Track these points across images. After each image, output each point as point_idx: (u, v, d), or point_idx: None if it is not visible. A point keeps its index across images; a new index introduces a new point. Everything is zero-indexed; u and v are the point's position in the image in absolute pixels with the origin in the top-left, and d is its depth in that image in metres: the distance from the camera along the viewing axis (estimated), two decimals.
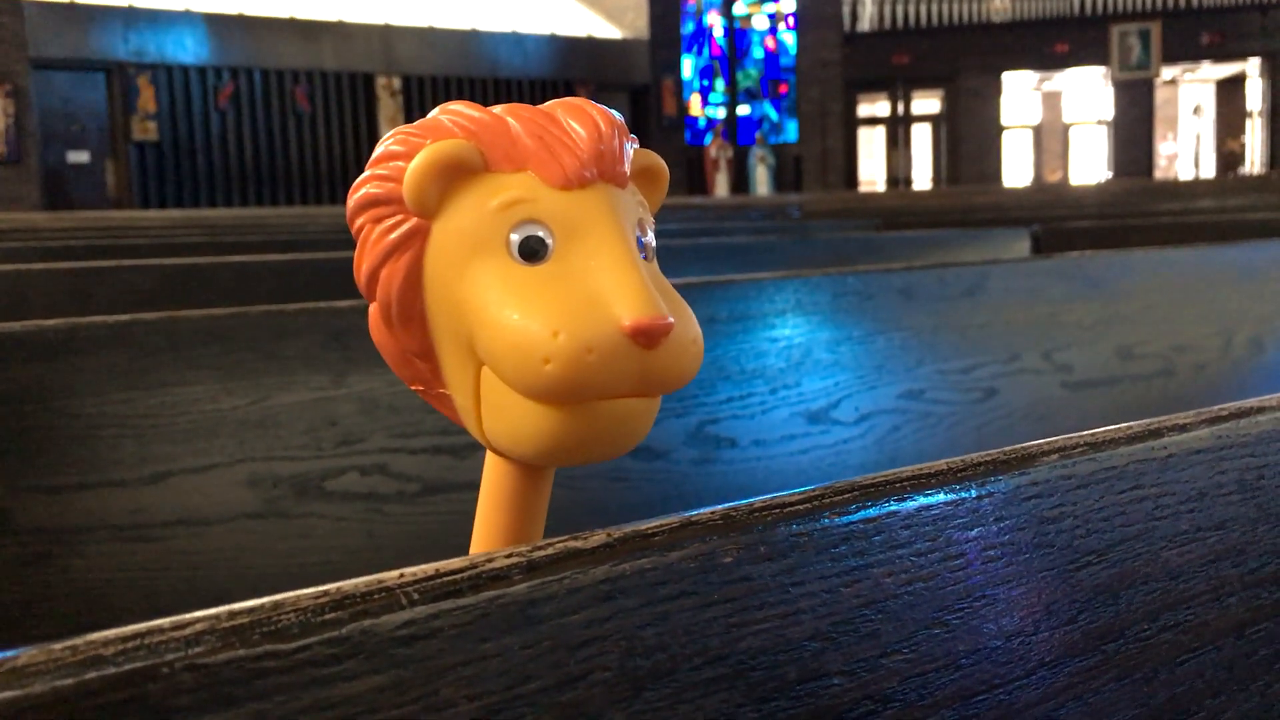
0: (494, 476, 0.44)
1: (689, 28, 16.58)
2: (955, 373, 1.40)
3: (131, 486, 0.92)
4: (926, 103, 16.92)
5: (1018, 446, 0.48)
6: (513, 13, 15.63)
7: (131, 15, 13.06)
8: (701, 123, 16.62)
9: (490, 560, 0.34)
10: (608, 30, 16.60)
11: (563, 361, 0.39)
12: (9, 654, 0.27)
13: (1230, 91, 17.31)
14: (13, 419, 0.88)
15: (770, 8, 16.36)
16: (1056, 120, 18.76)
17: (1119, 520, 0.48)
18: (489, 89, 15.19)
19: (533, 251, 0.41)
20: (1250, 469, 0.54)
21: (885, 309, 1.36)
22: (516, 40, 15.60)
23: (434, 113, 0.43)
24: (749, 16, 16.49)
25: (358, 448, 1.00)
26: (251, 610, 0.30)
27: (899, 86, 16.26)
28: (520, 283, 0.40)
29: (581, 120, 0.42)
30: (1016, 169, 17.86)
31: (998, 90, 16.11)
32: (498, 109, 0.43)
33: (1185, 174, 18.22)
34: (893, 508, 0.41)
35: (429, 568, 0.33)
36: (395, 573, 0.33)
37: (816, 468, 1.26)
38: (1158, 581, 0.49)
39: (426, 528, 1.02)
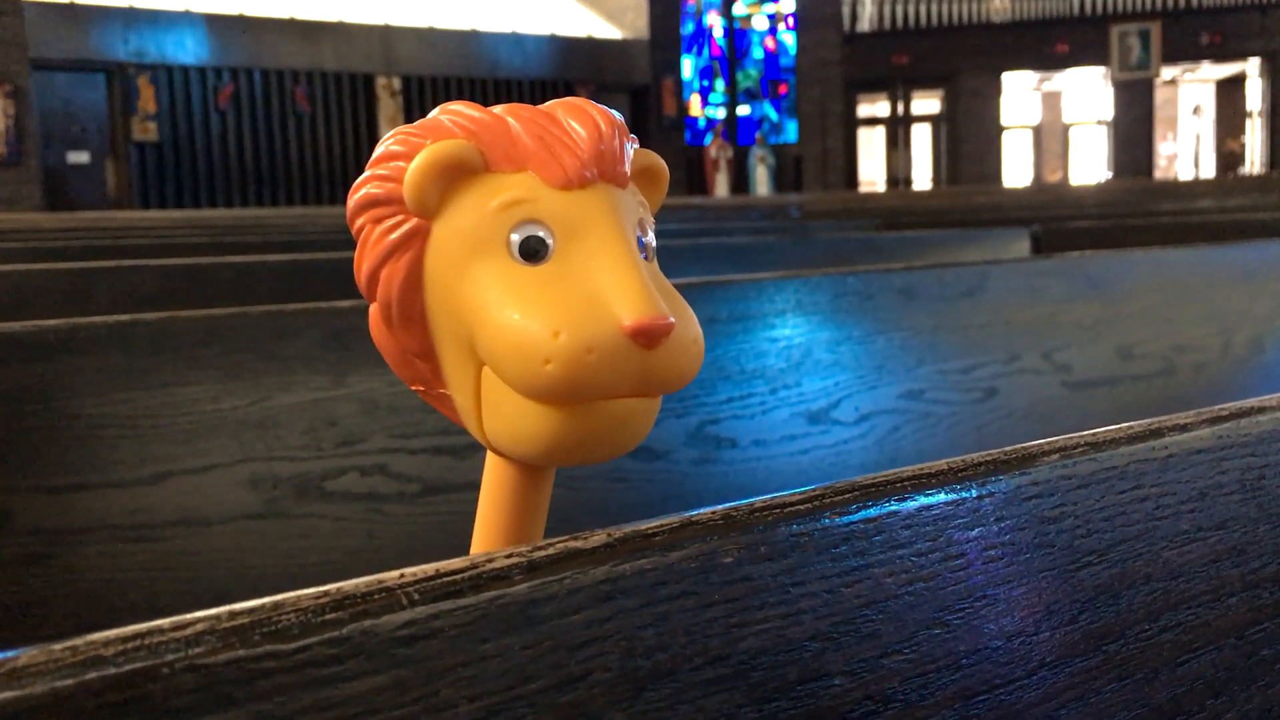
0: (494, 477, 0.44)
1: (689, 28, 16.58)
2: (955, 373, 1.40)
3: (132, 487, 0.92)
4: (926, 103, 16.92)
5: (1018, 446, 0.48)
6: (513, 13, 15.63)
7: (132, 16, 13.06)
8: (701, 123, 16.63)
9: (490, 560, 0.34)
10: (608, 30, 16.60)
11: (563, 362, 0.39)
12: (9, 654, 0.27)
13: (1230, 91, 17.31)
14: (13, 419, 0.88)
15: (770, 8, 16.36)
16: (1056, 120, 18.77)
17: (1120, 520, 0.48)
18: (489, 89, 15.18)
19: (533, 251, 0.41)
20: (1251, 469, 0.54)
21: (885, 309, 1.36)
22: (516, 40, 15.60)
23: (434, 113, 0.43)
24: (749, 17, 16.50)
25: (358, 448, 1.00)
26: (252, 610, 0.30)
27: (899, 87, 16.26)
28: (521, 283, 0.40)
29: (582, 120, 0.42)
30: (1016, 169, 17.86)
31: (998, 90, 16.12)
32: (498, 109, 0.43)
33: (1185, 174, 18.22)
34: (893, 508, 0.41)
35: (429, 568, 0.33)
36: (395, 573, 0.33)
37: (817, 468, 1.26)
38: (1158, 581, 0.49)
39: (427, 528, 1.02)
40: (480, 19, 15.33)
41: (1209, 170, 17.63)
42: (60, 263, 1.77)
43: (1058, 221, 3.21)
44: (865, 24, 15.97)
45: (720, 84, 16.59)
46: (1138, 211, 4.02)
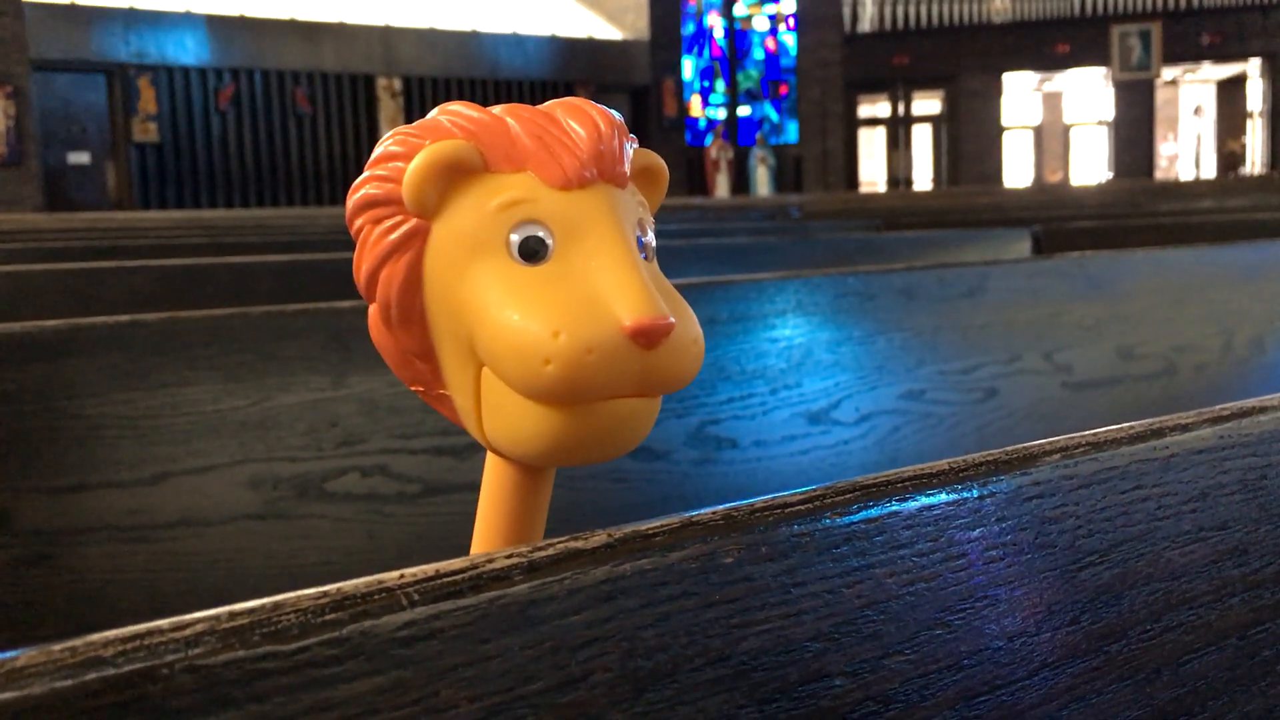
0: (494, 477, 0.44)
1: (689, 29, 16.58)
2: (956, 373, 1.39)
3: (132, 487, 0.92)
4: (927, 103, 16.92)
5: (1019, 446, 0.48)
6: (513, 14, 15.63)
7: (132, 16, 13.06)
8: (702, 123, 16.63)
9: (491, 561, 0.34)
10: (608, 31, 16.60)
11: (563, 362, 0.39)
12: (8, 655, 0.27)
13: (1231, 92, 17.31)
14: (13, 419, 0.88)
15: (771, 9, 16.36)
16: (1057, 121, 18.77)
17: (1121, 520, 0.48)
18: (489, 90, 15.19)
19: (533, 252, 0.40)
20: (1252, 469, 0.54)
21: (886, 309, 1.36)
22: (517, 41, 15.60)
23: (433, 113, 0.43)
24: (749, 17, 16.50)
25: (358, 448, 1.00)
26: (251, 611, 0.30)
27: (899, 87, 16.26)
28: (520, 283, 0.40)
29: (581, 120, 0.42)
30: (1017, 169, 17.86)
31: (998, 91, 16.12)
32: (497, 109, 0.43)
33: (1186, 174, 18.23)
34: (894, 508, 0.41)
35: (429, 568, 0.33)
36: (395, 573, 0.33)
37: (817, 468, 1.26)
38: (1160, 582, 0.49)
39: (427, 529, 1.02)
40: (481, 20, 15.34)
41: (1210, 171, 17.63)
42: (60, 263, 1.77)
43: (1058, 222, 3.21)
44: (866, 24, 15.98)
45: (721, 84, 16.59)
46: (1138, 212, 4.02)
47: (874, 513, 0.41)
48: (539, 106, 0.43)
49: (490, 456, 0.44)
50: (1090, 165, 17.99)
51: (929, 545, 0.42)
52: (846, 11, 15.84)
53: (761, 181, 15.45)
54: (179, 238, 3.08)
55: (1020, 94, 17.63)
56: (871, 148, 18.10)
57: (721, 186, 15.54)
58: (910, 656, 0.40)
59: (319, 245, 2.59)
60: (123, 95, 13.04)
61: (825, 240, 2.59)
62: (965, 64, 15.83)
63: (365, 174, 0.43)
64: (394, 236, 0.42)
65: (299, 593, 0.31)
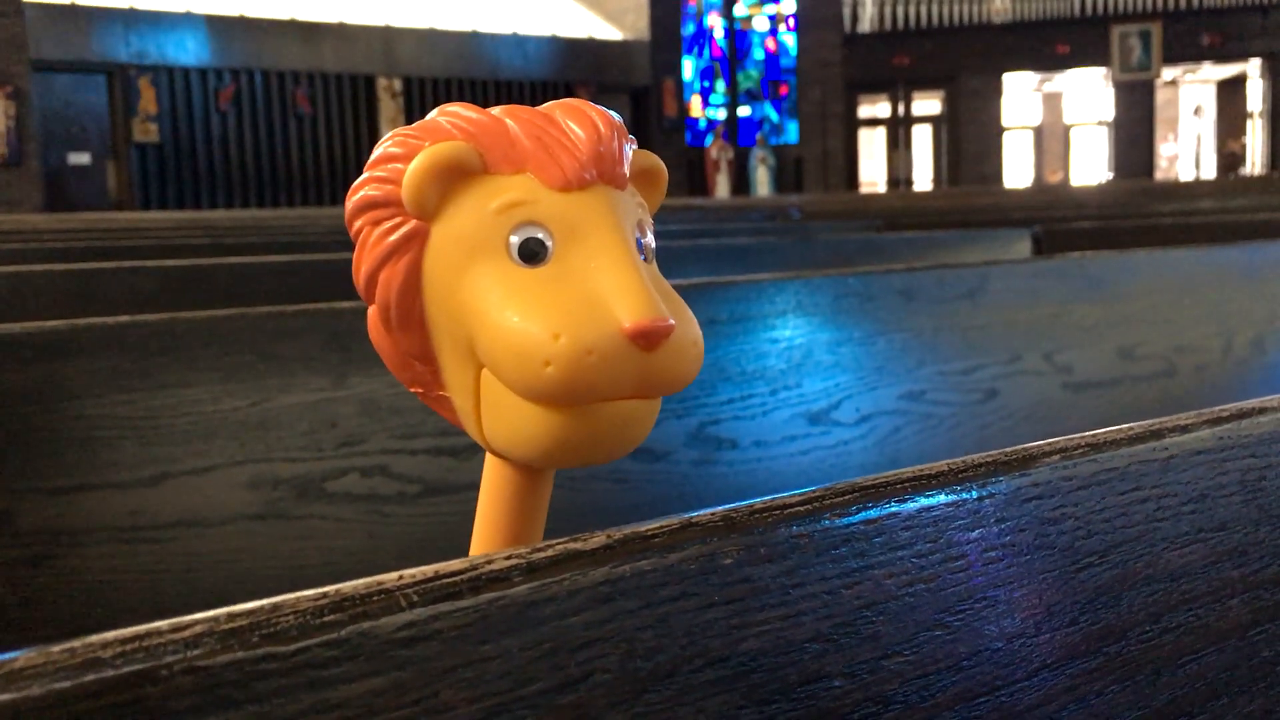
0: (494, 478, 0.44)
1: (689, 29, 16.58)
2: (956, 374, 1.39)
3: (132, 488, 0.92)
4: (927, 104, 16.92)
5: (1019, 447, 0.48)
6: (513, 14, 15.63)
7: (132, 17, 13.06)
8: (702, 124, 16.63)
9: (490, 562, 0.34)
10: (608, 32, 16.60)
11: (563, 364, 0.39)
12: (7, 656, 0.27)
13: (1231, 92, 17.31)
14: (13, 420, 0.88)
15: (771, 9, 16.37)
16: (1057, 121, 18.76)
17: (1120, 521, 0.48)
18: (490, 91, 15.19)
19: (532, 253, 0.40)
20: (1252, 470, 0.54)
21: (886, 310, 1.36)
22: (517, 42, 15.60)
23: (432, 114, 0.43)
24: (749, 18, 16.50)
25: (358, 449, 1.00)
26: (250, 612, 0.30)
27: (899, 87, 16.26)
28: (520, 285, 0.40)
29: (580, 122, 0.42)
30: (1017, 170, 17.85)
31: (998, 91, 16.12)
32: (496, 110, 0.43)
33: (1186, 175, 18.22)
34: (893, 509, 0.41)
35: (428, 569, 0.33)
36: (394, 574, 0.33)
37: (817, 469, 1.26)
38: (1159, 583, 0.49)
39: (428, 529, 1.02)
40: (481, 20, 15.34)
41: (1210, 171, 17.63)
42: (61, 264, 1.77)
43: (1059, 222, 3.21)
44: (866, 25, 15.98)
45: (721, 85, 16.59)
46: (1139, 212, 4.02)
47: (873, 514, 0.41)
48: (538, 108, 0.43)
49: (489, 458, 0.44)
50: (1090, 166, 17.99)
51: (928, 546, 0.42)
52: (846, 12, 15.85)
53: (762, 182, 15.45)
54: (179, 238, 3.08)
55: (1020, 94, 17.63)
56: (872, 148, 18.10)
57: (722, 187, 15.54)
58: (909, 657, 0.40)
59: (319, 246, 2.59)
60: (123, 96, 13.04)
61: (825, 241, 2.59)
62: (965, 64, 15.83)
63: (364, 175, 0.43)
64: (393, 238, 0.42)
65: (298, 594, 0.31)
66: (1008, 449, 0.47)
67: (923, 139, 17.07)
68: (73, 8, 12.72)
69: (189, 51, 13.44)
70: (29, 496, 0.88)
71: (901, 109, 16.50)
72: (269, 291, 1.64)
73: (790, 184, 15.65)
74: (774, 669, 0.37)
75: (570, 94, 14.09)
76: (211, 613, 0.30)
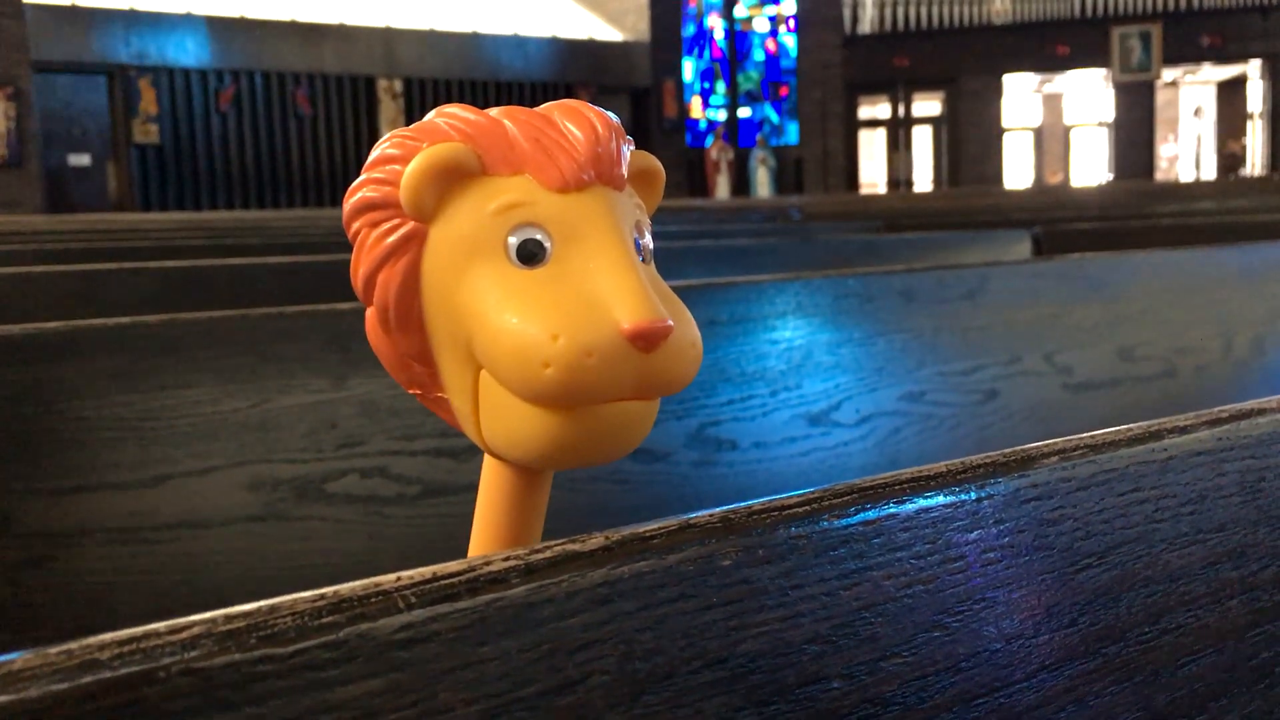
0: (492, 480, 0.44)
1: (690, 30, 16.58)
2: (956, 375, 1.39)
3: (132, 489, 0.92)
4: (927, 105, 16.92)
5: (1017, 448, 0.48)
6: (514, 15, 15.64)
7: (133, 18, 13.07)
8: (702, 125, 16.63)
9: (488, 563, 0.34)
10: (609, 33, 16.61)
11: (562, 365, 0.39)
12: (5, 658, 0.27)
13: (1231, 93, 17.30)
14: (13, 421, 0.88)
15: (771, 10, 16.37)
16: (1057, 122, 18.76)
17: (1119, 522, 0.48)
18: (490, 92, 15.19)
19: (531, 255, 0.40)
20: (1251, 471, 0.54)
21: (886, 311, 1.36)
22: (518, 43, 15.61)
23: (430, 116, 0.43)
24: (750, 19, 16.50)
25: (358, 450, 1.00)
26: (248, 614, 0.30)
27: (900, 88, 16.26)
28: (519, 286, 0.40)
29: (578, 122, 0.42)
30: (1017, 171, 17.85)
31: (998, 92, 16.11)
32: (494, 112, 0.43)
33: (1186, 176, 18.22)
34: (892, 510, 0.41)
35: (426, 571, 0.33)
36: (392, 576, 0.33)
37: (817, 470, 1.25)
38: (1158, 584, 0.49)
39: (427, 530, 1.02)
40: (481, 21, 15.35)
41: (1210, 172, 17.63)
42: (61, 265, 1.77)
43: (1059, 223, 3.21)
44: (866, 26, 15.97)
45: (721, 86, 16.60)
46: (1139, 213, 4.02)
47: (871, 515, 0.41)
48: (536, 109, 0.43)
49: (488, 459, 0.44)
50: (1090, 167, 17.98)
51: (927, 547, 0.42)
52: (847, 13, 15.85)
53: (762, 183, 15.45)
54: (179, 239, 3.08)
55: (1020, 95, 17.62)
56: (872, 149, 18.10)
57: (722, 188, 15.55)
58: (908, 659, 0.40)
59: (319, 247, 2.59)
60: (123, 97, 13.04)
61: (825, 242, 2.59)
62: (965, 65, 15.82)
63: (362, 177, 0.43)
64: (391, 239, 0.42)
65: (295, 595, 0.31)
66: (1006, 450, 0.47)
67: (923, 140, 17.07)
68: (73, 9, 12.73)
69: (189, 52, 13.45)
70: (29, 497, 0.88)
71: (902, 110, 16.50)
72: (269, 292, 1.64)
73: (790, 185, 15.65)
74: (772, 670, 0.37)
75: (571, 95, 14.06)
76: (209, 614, 0.30)
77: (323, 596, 0.31)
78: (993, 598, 0.43)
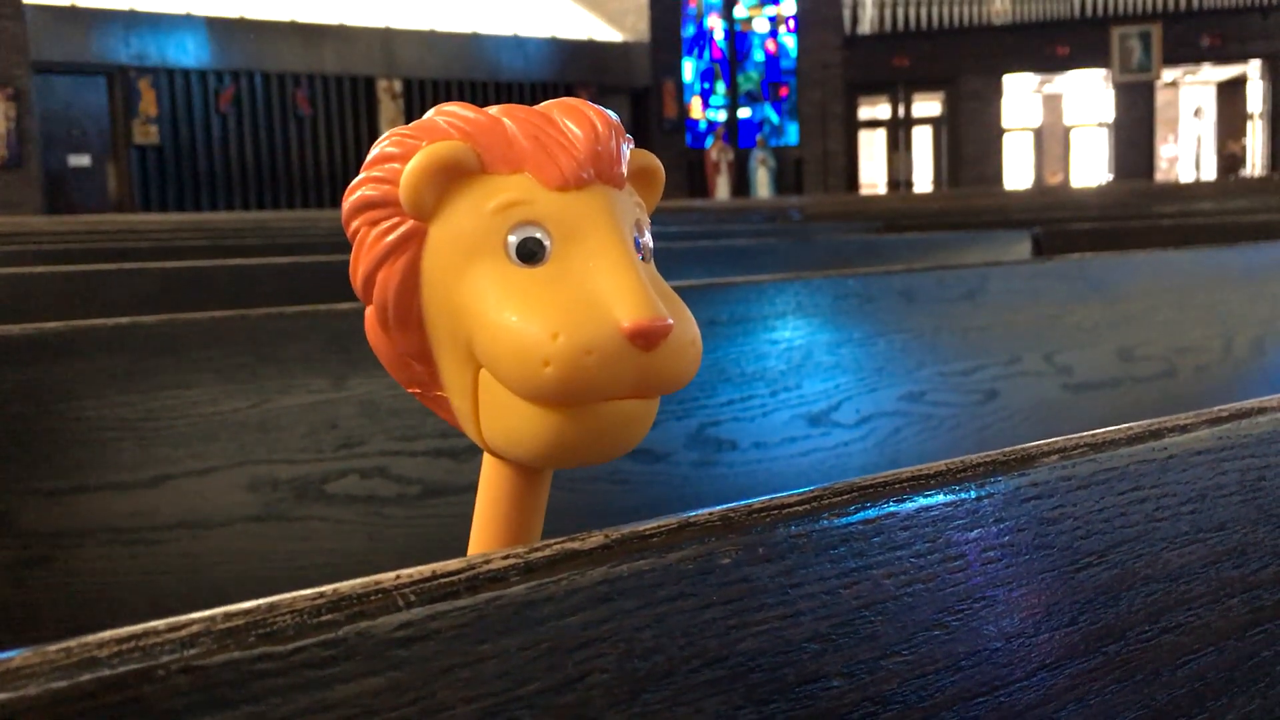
0: (492, 479, 0.44)
1: (690, 31, 16.58)
2: (956, 375, 1.39)
3: (132, 489, 0.92)
4: (927, 105, 16.92)
5: (1017, 447, 0.47)
6: (514, 16, 15.64)
7: (133, 19, 13.07)
8: (702, 125, 16.63)
9: (487, 562, 0.34)
10: (608, 33, 16.61)
11: (562, 364, 0.39)
12: (4, 656, 0.27)
13: (1231, 94, 17.31)
14: (13, 421, 0.88)
15: (771, 10, 16.37)
16: (1057, 122, 18.76)
17: (1119, 521, 0.48)
18: (490, 92, 15.19)
19: (530, 253, 0.40)
20: (1251, 470, 0.54)
21: (886, 311, 1.36)
22: (518, 43, 15.61)
23: (429, 114, 0.43)
24: (750, 19, 16.50)
25: (358, 450, 1.00)
26: (247, 612, 0.30)
27: (900, 89, 16.26)
28: (518, 285, 0.40)
29: (578, 121, 0.42)
30: (1017, 171, 17.85)
31: (998, 93, 16.11)
32: (493, 110, 0.43)
33: (1186, 176, 18.22)
34: (892, 509, 0.41)
35: (425, 569, 0.33)
36: (392, 574, 0.33)
37: (817, 470, 1.25)
38: (1158, 583, 0.49)
39: (427, 530, 1.02)
40: (481, 22, 15.35)
41: (1210, 172, 17.63)
42: (61, 265, 1.77)
43: (1059, 223, 3.21)
44: (866, 26, 15.97)
45: (721, 86, 16.60)
46: (1139, 213, 4.02)
47: (871, 514, 0.41)
48: (535, 107, 0.43)
49: (488, 458, 0.44)
50: (1090, 167, 17.99)
51: (927, 546, 0.42)
52: (846, 13, 15.84)
53: (762, 183, 15.45)
54: (179, 240, 3.08)
55: (1020, 96, 17.62)
56: (872, 150, 18.10)
57: (722, 188, 15.54)
58: (908, 657, 0.40)
59: (319, 247, 2.59)
60: (123, 97, 13.04)
61: (825, 242, 2.59)
62: (965, 66, 15.82)
63: (361, 176, 0.43)
64: (391, 238, 0.42)
65: (294, 593, 0.31)
66: (1006, 449, 0.47)
67: (923, 140, 17.07)
68: (73, 9, 12.73)
69: (189, 53, 13.45)
70: (29, 497, 0.88)
71: (901, 110, 16.50)
72: (269, 293, 1.64)
73: (790, 185, 15.65)
74: (772, 669, 0.37)
75: (570, 95, 14.05)
76: (208, 612, 0.30)
77: (322, 595, 0.31)
78: (993, 596, 0.43)
